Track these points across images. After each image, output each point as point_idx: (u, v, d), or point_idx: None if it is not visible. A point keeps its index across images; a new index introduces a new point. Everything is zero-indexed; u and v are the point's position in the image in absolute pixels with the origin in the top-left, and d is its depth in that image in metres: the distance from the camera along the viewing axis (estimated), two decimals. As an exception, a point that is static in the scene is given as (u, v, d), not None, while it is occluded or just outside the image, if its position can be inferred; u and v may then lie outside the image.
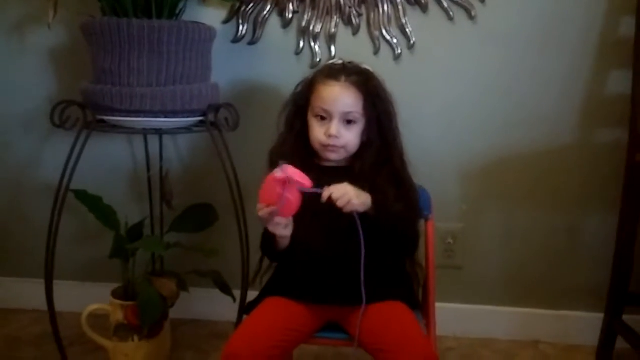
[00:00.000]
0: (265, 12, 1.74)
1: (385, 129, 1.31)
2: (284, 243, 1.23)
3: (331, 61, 1.39)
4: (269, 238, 1.24)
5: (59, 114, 1.55)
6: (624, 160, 1.63)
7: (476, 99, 1.74)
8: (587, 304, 1.80)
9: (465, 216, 1.81)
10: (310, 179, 1.13)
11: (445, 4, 1.69)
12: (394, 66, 1.73)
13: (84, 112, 1.55)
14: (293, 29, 1.75)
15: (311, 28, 1.73)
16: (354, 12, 1.72)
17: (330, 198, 1.13)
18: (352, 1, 1.71)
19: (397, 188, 1.27)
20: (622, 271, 1.65)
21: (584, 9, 1.67)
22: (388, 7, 1.71)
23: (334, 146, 1.26)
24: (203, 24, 1.54)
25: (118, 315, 1.55)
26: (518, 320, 1.84)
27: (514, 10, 1.69)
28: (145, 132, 1.64)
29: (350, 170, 1.28)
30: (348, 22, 1.73)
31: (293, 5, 1.73)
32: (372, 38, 1.73)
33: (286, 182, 1.11)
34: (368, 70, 1.32)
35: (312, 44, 1.74)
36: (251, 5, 1.74)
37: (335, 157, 1.29)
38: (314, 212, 1.18)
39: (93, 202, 1.60)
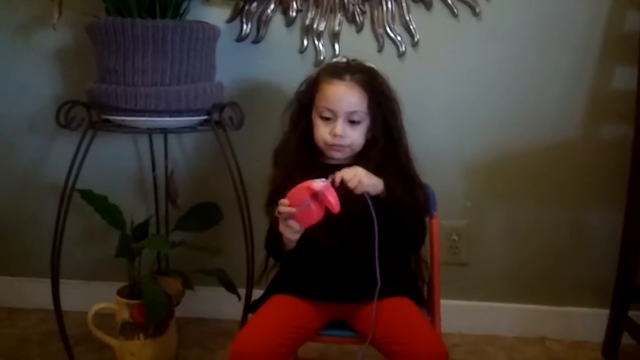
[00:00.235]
0: (268, 11, 1.74)
1: (390, 126, 1.31)
2: (289, 245, 1.24)
3: (335, 59, 1.38)
4: (274, 237, 1.24)
5: (64, 114, 1.55)
6: (628, 156, 1.63)
7: (480, 95, 1.74)
8: (593, 300, 1.80)
9: (469, 213, 1.81)
10: (315, 177, 1.13)
11: (450, 1, 1.69)
12: (398, 64, 1.73)
13: (89, 112, 1.56)
14: (297, 27, 1.75)
15: (315, 26, 1.74)
16: (358, 9, 1.72)
17: (342, 183, 1.13)
18: (356, -1, 1.71)
19: (404, 184, 1.27)
20: (627, 267, 1.65)
21: (588, 4, 1.67)
22: (392, 4, 1.71)
23: (339, 145, 1.26)
24: (207, 23, 1.54)
25: (124, 314, 1.56)
26: (523, 316, 1.84)
27: (518, 7, 1.69)
28: (150, 132, 1.64)
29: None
30: (352, 19, 1.73)
31: (297, 4, 1.73)
32: (376, 36, 1.73)
33: (318, 195, 1.11)
34: (372, 69, 1.32)
35: (316, 42, 1.74)
36: (255, 4, 1.74)
37: (340, 155, 1.29)
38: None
39: (99, 202, 1.60)
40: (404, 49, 1.73)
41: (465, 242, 1.82)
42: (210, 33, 1.54)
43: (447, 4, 1.70)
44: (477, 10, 1.69)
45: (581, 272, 1.81)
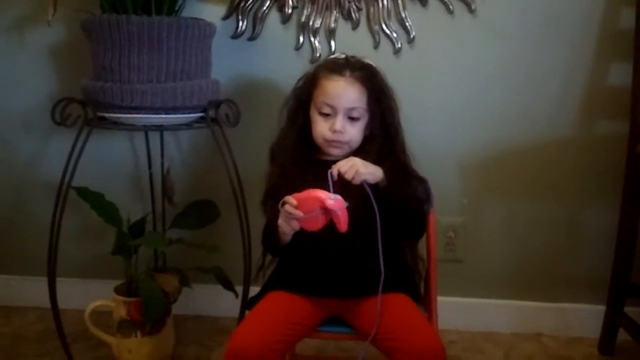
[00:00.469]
0: (264, 8, 1.74)
1: (387, 123, 1.31)
2: (285, 239, 1.23)
3: (333, 55, 1.38)
4: (271, 231, 1.25)
5: (59, 111, 1.55)
6: (624, 152, 1.63)
7: (476, 92, 1.74)
8: (589, 296, 1.80)
9: (466, 210, 1.81)
10: (311, 174, 1.13)
11: (445, -2, 1.69)
12: (393, 60, 1.73)
13: (84, 109, 1.56)
14: (293, 24, 1.75)
15: (311, 23, 1.73)
16: (354, 6, 1.72)
17: (339, 176, 1.13)
18: (352, -4, 1.71)
19: (402, 179, 1.27)
20: (623, 263, 1.65)
21: (583, 1, 1.67)
22: (387, 1, 1.70)
23: (338, 142, 1.26)
24: (202, 20, 1.54)
25: (121, 312, 1.56)
26: (520, 313, 1.84)
27: (513, 4, 1.69)
28: (146, 129, 1.64)
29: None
30: (348, 16, 1.73)
31: (292, 1, 1.72)
32: (372, 32, 1.73)
33: (329, 210, 1.11)
34: (371, 65, 1.32)
35: (312, 39, 1.74)
36: (250, 0, 1.73)
37: (338, 152, 1.28)
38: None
39: (95, 199, 1.60)
40: (399, 45, 1.73)
41: (461, 239, 1.83)
42: (206, 30, 1.53)
43: (442, 1, 1.69)
44: (473, 6, 1.69)
45: (577, 268, 1.82)
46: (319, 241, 1.22)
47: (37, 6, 1.73)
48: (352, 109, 1.25)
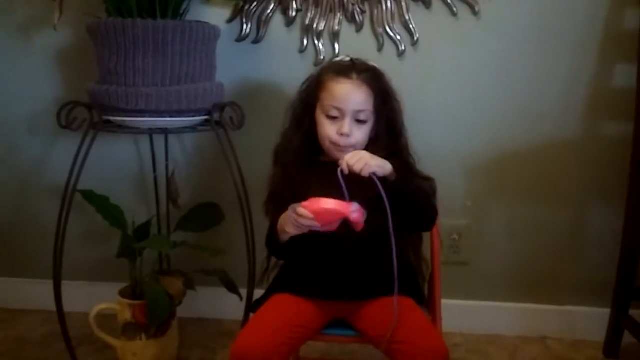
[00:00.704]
0: (268, 11, 1.74)
1: (392, 125, 1.31)
2: (284, 237, 1.23)
3: (338, 58, 1.38)
4: (274, 233, 1.25)
5: (65, 115, 1.56)
6: (629, 154, 1.63)
7: (480, 94, 1.74)
8: (593, 299, 1.80)
9: (470, 212, 1.81)
10: (315, 176, 1.13)
11: (449, 0, 1.69)
12: (397, 63, 1.73)
13: (90, 112, 1.56)
14: (297, 27, 1.76)
15: (315, 26, 1.74)
16: (358, 9, 1.72)
17: (350, 171, 1.12)
18: (355, -1, 1.72)
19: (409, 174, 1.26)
20: (628, 266, 1.65)
21: (588, 2, 1.67)
22: (391, 3, 1.71)
23: (344, 146, 1.25)
24: (207, 23, 1.54)
25: (126, 315, 1.56)
26: (524, 316, 1.84)
27: (517, 5, 1.69)
28: (151, 132, 1.64)
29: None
30: (351, 19, 1.73)
31: (296, 4, 1.73)
32: (376, 35, 1.73)
33: (349, 219, 1.11)
34: (376, 68, 1.31)
35: (316, 41, 1.74)
36: (255, 4, 1.74)
37: (343, 156, 1.27)
38: None
39: (100, 202, 1.61)
40: (403, 48, 1.73)
41: (466, 241, 1.82)
42: (210, 33, 1.54)
43: (446, 3, 1.70)
44: (477, 9, 1.69)
45: (582, 271, 1.81)
46: (323, 244, 1.21)
47: (43, 10, 1.74)
48: (359, 111, 1.25)
